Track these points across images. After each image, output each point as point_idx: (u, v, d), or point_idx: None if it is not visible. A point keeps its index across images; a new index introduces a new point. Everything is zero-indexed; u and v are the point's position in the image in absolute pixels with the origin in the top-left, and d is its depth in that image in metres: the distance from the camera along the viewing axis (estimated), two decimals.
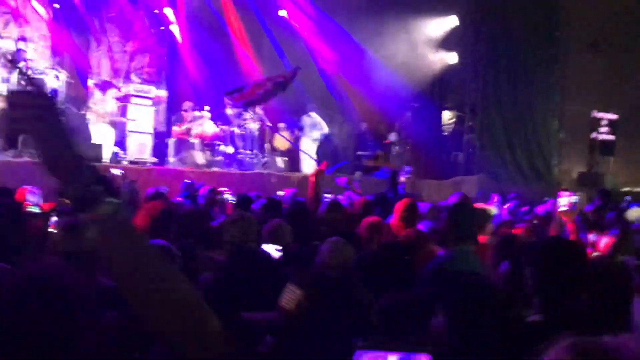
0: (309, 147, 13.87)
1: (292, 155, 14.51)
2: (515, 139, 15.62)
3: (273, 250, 3.66)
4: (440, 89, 16.35)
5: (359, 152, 15.15)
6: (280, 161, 13.18)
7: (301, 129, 14.30)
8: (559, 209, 3.87)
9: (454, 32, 15.63)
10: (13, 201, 4.26)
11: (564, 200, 3.77)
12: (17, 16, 14.36)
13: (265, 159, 13.49)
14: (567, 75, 15.46)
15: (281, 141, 14.84)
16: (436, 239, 3.91)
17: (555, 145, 15.96)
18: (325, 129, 14.28)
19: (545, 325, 2.21)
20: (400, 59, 15.23)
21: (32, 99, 1.15)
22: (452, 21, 15.57)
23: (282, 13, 15.65)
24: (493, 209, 6.64)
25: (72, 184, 1.19)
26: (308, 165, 13.23)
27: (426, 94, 15.98)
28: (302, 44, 15.62)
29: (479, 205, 6.82)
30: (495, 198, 7.56)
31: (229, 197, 6.67)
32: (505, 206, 7.95)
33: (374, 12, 14.74)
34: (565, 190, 4.44)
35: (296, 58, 15.63)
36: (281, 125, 14.98)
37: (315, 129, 14.18)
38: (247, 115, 13.99)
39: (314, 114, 14.24)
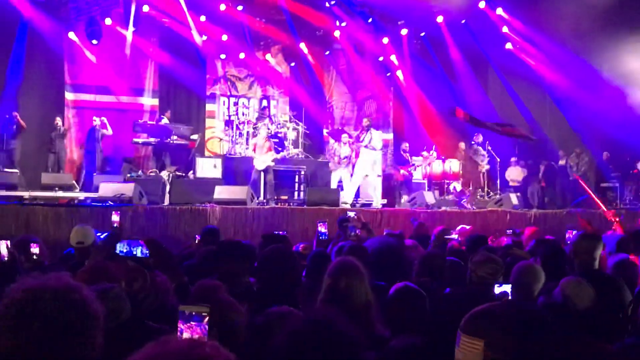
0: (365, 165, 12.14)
1: (525, 190, 13.92)
2: None
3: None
4: None
5: (602, 184, 13.95)
6: (514, 197, 12.63)
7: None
8: None
9: None
10: (287, 247, 4.54)
11: None
12: (259, 77, 15.98)
13: (498, 195, 13.06)
14: None
15: (514, 174, 14.32)
16: None
17: None
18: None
19: None
20: None
21: None
22: None
23: (508, 46, 15.25)
24: None
25: None
26: None
27: None
28: (533, 75, 15.03)
29: None
30: None
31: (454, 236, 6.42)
32: None
33: (608, 34, 13.70)
34: None
35: (526, 89, 15.10)
36: (513, 159, 14.49)
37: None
38: (479, 151, 13.81)
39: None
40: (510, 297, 3.38)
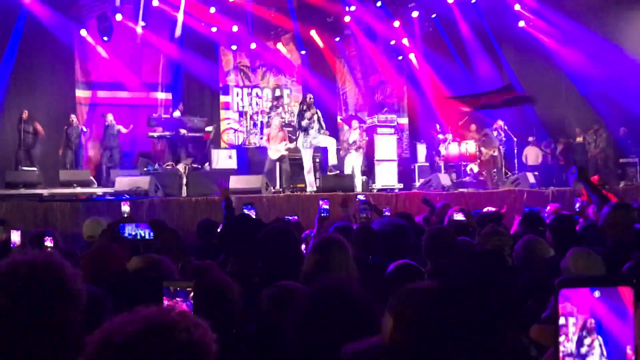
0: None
1: (545, 169, 13.77)
2: None
3: None
4: None
5: (621, 160, 13.76)
6: (531, 176, 12.52)
7: None
8: None
9: None
10: (286, 225, 4.54)
11: None
12: (271, 67, 15.98)
13: (515, 175, 12.95)
14: None
15: (531, 154, 14.19)
16: None
17: None
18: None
19: None
20: None
21: None
22: None
23: (522, 24, 15.06)
24: None
25: None
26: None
27: None
28: (547, 53, 14.85)
29: None
30: None
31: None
32: None
33: (624, 8, 13.47)
34: None
35: (541, 68, 14.91)
36: (531, 139, 14.34)
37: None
38: (489, 135, 13.67)
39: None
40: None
